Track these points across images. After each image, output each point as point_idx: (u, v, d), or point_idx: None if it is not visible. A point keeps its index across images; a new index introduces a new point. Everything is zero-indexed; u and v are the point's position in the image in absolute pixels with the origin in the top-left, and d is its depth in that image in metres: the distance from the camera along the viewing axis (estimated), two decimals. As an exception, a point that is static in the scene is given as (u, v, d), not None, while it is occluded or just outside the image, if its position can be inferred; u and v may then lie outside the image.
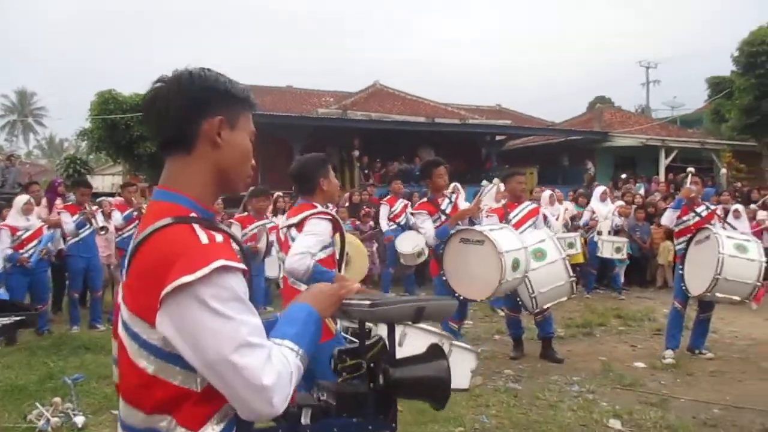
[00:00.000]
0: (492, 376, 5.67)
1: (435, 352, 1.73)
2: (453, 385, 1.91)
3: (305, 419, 1.57)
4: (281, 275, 4.13)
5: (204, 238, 1.30)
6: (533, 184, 15.28)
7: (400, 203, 10.87)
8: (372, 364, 1.66)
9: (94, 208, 8.40)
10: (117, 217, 8.39)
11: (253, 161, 1.55)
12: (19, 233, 7.57)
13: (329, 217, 3.63)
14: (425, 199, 5.98)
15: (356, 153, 17.26)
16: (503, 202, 6.67)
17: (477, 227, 5.45)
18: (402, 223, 10.53)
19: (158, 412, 1.34)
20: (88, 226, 8.06)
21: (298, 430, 1.57)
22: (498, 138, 21.43)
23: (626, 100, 66.71)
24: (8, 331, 4.65)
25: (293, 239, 3.58)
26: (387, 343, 1.70)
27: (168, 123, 1.43)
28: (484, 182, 8.17)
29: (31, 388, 5.49)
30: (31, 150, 52.65)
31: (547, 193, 10.80)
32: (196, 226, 1.33)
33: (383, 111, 19.23)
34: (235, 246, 1.39)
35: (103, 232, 8.42)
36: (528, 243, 5.52)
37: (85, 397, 5.21)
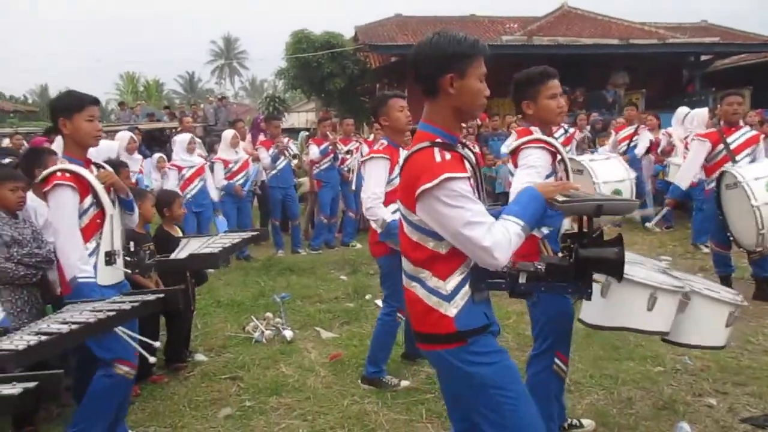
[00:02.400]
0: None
1: (616, 241, 2.21)
2: (707, 342, 3.11)
3: (522, 280, 2.13)
4: None
5: (438, 157, 2.01)
6: (746, 108, 13.52)
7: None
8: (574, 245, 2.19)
9: (285, 140, 8.94)
10: (314, 150, 8.84)
11: (487, 91, 2.12)
12: (230, 165, 8.36)
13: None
14: None
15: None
16: (717, 127, 5.99)
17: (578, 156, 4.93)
18: None
19: (421, 266, 2.12)
20: (282, 158, 8.61)
21: (516, 287, 2.13)
22: (703, 58, 19.16)
23: None
24: (247, 243, 5.21)
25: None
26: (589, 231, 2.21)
27: (421, 78, 2.12)
28: None
29: (247, 303, 6.17)
30: (237, 91, 57.62)
31: (683, 110, 9.45)
32: (436, 150, 2.02)
33: (572, 35, 17.98)
34: (466, 161, 2.08)
35: (295, 161, 9.02)
36: (762, 174, 4.96)
37: (291, 314, 5.75)
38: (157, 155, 8.45)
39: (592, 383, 4.05)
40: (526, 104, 3.14)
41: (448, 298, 2.07)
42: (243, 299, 6.31)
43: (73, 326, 2.45)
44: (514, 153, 3.13)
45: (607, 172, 5.49)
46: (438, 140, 2.06)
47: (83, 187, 3.21)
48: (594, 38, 17.67)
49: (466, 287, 2.07)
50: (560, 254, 2.31)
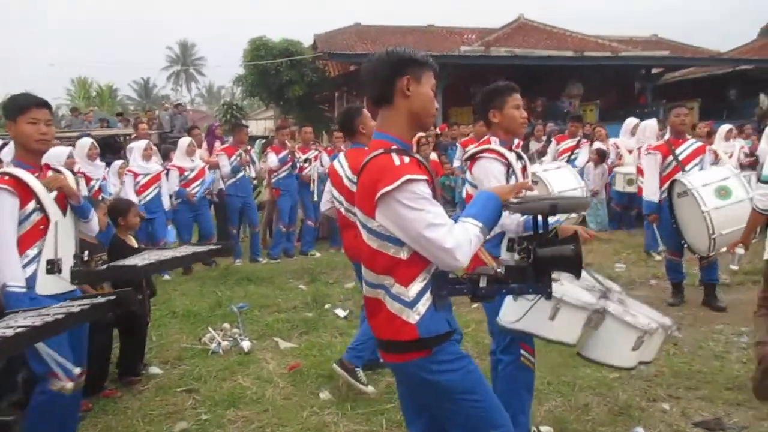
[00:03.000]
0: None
1: (571, 238, 2.25)
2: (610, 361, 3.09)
3: (482, 284, 2.14)
4: None
5: (397, 161, 2.04)
6: (695, 120, 13.99)
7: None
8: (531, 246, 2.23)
9: (248, 148, 8.94)
10: (272, 159, 8.80)
11: (436, 104, 2.25)
12: (185, 173, 8.24)
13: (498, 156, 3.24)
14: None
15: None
16: (666, 138, 6.18)
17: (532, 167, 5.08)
18: None
19: (383, 273, 2.10)
20: (242, 170, 8.61)
21: (477, 291, 2.14)
22: (654, 71, 19.75)
23: (810, 23, 58.14)
24: (204, 258, 5.18)
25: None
26: (544, 230, 2.26)
27: (376, 84, 2.18)
28: None
29: (204, 314, 6.05)
30: (193, 98, 56.60)
31: (725, 127, 9.87)
32: (393, 155, 2.05)
33: (528, 46, 18.32)
34: (420, 165, 2.07)
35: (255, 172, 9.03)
36: (710, 180, 5.16)
37: (249, 324, 5.66)
38: (119, 162, 8.28)
39: (550, 390, 4.10)
40: (493, 113, 3.31)
41: (411, 304, 2.07)
42: (199, 309, 6.18)
43: (19, 329, 2.33)
44: (471, 159, 3.30)
45: (561, 181, 5.67)
46: (394, 147, 2.10)
47: (24, 192, 3.10)
48: (549, 50, 18.04)
49: (428, 293, 2.08)
50: (516, 256, 2.33)
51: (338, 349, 4.93)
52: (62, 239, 3.26)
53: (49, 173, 3.26)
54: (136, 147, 8.02)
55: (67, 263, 3.27)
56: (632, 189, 9.34)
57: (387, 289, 2.10)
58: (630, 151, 9.58)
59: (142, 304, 4.57)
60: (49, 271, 3.17)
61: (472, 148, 3.42)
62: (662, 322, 3.17)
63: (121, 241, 4.69)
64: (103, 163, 7.80)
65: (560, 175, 5.82)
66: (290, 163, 8.82)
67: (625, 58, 18.22)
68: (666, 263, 6.24)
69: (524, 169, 3.41)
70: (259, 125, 29.14)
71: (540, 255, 2.18)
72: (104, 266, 3.77)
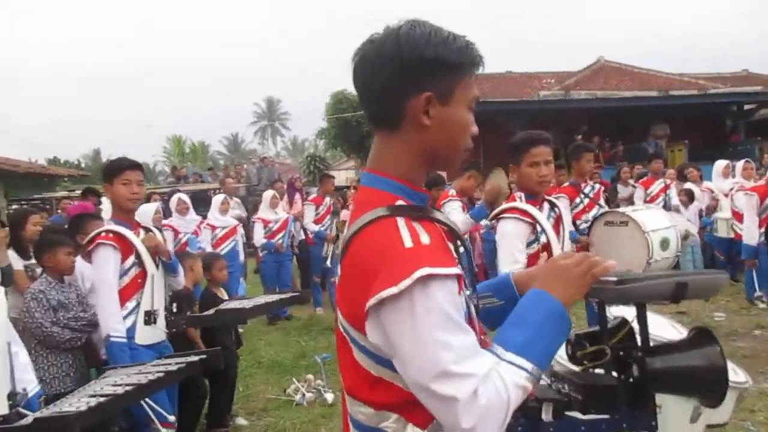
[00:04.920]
0: (756, 377, 5.00)
1: (703, 337, 1.46)
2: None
3: (546, 415, 1.43)
4: None
5: (408, 239, 1.16)
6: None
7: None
8: (621, 352, 1.46)
9: (332, 200, 9.18)
10: (345, 213, 8.98)
11: (475, 129, 1.34)
12: (269, 225, 8.50)
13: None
14: (567, 184, 5.88)
15: (579, 136, 16.45)
16: (766, 177, 5.86)
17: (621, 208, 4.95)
18: None
19: (386, 409, 1.26)
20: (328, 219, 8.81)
21: (540, 427, 1.42)
22: (747, 107, 18.85)
23: None
24: (284, 304, 5.37)
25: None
26: (637, 327, 1.48)
27: (371, 97, 1.29)
28: None
29: (288, 364, 6.15)
30: (279, 151, 58.83)
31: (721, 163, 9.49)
32: (400, 222, 1.19)
33: (609, 88, 18.01)
34: (447, 236, 1.26)
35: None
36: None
37: (332, 375, 5.67)
38: None
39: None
40: (512, 168, 3.16)
41: None
42: (284, 359, 6.29)
43: (127, 387, 2.55)
44: (496, 219, 3.16)
45: (653, 220, 5.30)
46: (400, 202, 1.26)
47: (126, 247, 3.33)
48: (633, 91, 17.63)
49: None
50: (577, 368, 1.53)
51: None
52: (156, 292, 3.46)
53: (141, 231, 3.48)
54: (214, 201, 8.35)
55: (161, 315, 3.47)
56: (730, 235, 8.86)
57: None
58: (726, 195, 9.12)
59: (232, 354, 4.72)
60: (147, 322, 3.38)
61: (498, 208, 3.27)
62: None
63: (212, 294, 4.89)
64: (198, 217, 8.17)
65: (651, 215, 5.50)
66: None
67: (713, 95, 17.54)
68: (771, 312, 5.82)
69: (558, 220, 3.18)
70: (341, 175, 29.83)
71: (657, 369, 1.41)
72: (213, 311, 4.01)
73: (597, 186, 6.04)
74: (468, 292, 1.29)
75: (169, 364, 2.96)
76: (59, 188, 17.39)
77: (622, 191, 10.90)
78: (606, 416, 1.42)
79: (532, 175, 3.04)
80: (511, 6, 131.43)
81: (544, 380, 1.49)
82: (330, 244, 8.58)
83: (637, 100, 17.20)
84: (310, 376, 5.52)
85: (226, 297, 4.91)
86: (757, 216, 5.58)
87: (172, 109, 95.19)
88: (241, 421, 4.76)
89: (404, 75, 1.23)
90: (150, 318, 3.40)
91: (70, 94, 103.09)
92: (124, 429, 3.63)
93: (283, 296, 4.32)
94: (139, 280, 3.39)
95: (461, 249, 1.31)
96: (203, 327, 4.46)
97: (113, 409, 2.63)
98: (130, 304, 3.35)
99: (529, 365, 1.18)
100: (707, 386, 1.44)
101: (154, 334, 3.43)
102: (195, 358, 3.09)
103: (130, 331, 3.32)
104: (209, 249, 7.52)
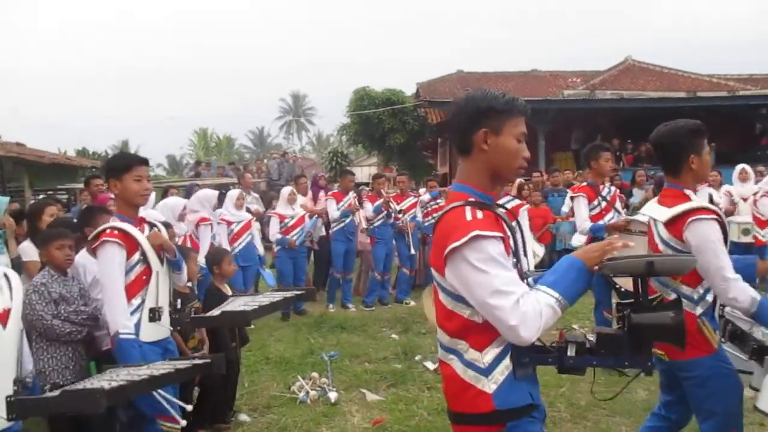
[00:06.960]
0: None
1: (674, 304, 2.05)
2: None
3: (571, 352, 1.93)
4: None
5: (469, 215, 1.88)
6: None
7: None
8: (624, 312, 1.99)
9: (354, 196, 9.15)
10: (368, 208, 8.97)
11: (527, 152, 2.03)
12: (285, 220, 8.50)
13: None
14: (585, 183, 5.87)
15: (600, 136, 16.22)
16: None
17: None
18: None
19: (457, 337, 1.94)
20: (350, 216, 8.82)
21: (564, 361, 1.94)
22: (778, 110, 18.41)
23: None
24: (289, 303, 5.46)
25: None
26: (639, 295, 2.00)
27: (455, 134, 2.06)
28: None
29: (295, 361, 6.15)
30: (304, 146, 59.10)
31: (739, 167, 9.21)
32: (467, 208, 1.91)
33: (636, 88, 17.70)
34: (498, 220, 1.94)
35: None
36: None
37: (338, 374, 5.68)
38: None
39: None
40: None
41: (486, 372, 1.87)
42: (292, 356, 6.29)
43: (143, 376, 2.66)
44: None
45: None
46: (471, 199, 1.95)
47: (131, 244, 3.32)
48: (659, 91, 17.32)
49: (507, 360, 1.87)
50: (615, 325, 2.10)
51: (425, 404, 4.84)
52: (161, 289, 3.47)
53: (146, 228, 3.49)
54: (229, 196, 8.24)
55: (165, 311, 3.48)
56: (748, 239, 8.65)
57: (460, 355, 1.92)
58: (745, 199, 8.91)
59: (236, 352, 4.74)
60: (151, 319, 3.39)
61: None
62: None
63: (216, 289, 4.90)
64: (247, 215, 8.18)
65: None
66: (385, 212, 8.92)
67: (742, 97, 17.15)
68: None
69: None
70: (364, 172, 29.88)
71: (635, 323, 1.93)
72: (219, 312, 4.02)
73: (613, 189, 5.92)
74: (514, 260, 1.94)
75: (177, 364, 3.01)
76: (83, 179, 17.63)
77: (637, 194, 10.78)
78: (616, 356, 1.94)
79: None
80: (545, 5, 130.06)
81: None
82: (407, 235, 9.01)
83: (663, 101, 16.89)
84: (315, 374, 5.52)
85: (230, 293, 4.92)
86: None
87: (200, 103, 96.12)
88: (243, 417, 4.77)
89: (470, 119, 2.00)
90: (155, 315, 3.39)
91: (104, 88, 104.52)
92: (124, 423, 3.66)
93: (287, 295, 4.30)
94: (144, 277, 3.37)
95: (509, 232, 1.97)
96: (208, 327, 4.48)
97: (140, 391, 2.74)
98: (135, 301, 3.33)
99: (556, 294, 1.84)
100: (670, 335, 2.00)
101: (159, 330, 3.43)
102: (201, 362, 3.15)
103: (135, 328, 3.33)
104: (225, 244, 7.51)
